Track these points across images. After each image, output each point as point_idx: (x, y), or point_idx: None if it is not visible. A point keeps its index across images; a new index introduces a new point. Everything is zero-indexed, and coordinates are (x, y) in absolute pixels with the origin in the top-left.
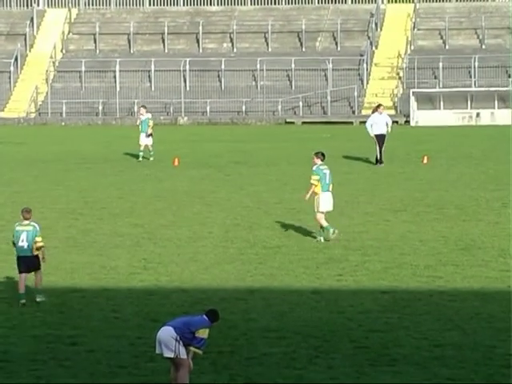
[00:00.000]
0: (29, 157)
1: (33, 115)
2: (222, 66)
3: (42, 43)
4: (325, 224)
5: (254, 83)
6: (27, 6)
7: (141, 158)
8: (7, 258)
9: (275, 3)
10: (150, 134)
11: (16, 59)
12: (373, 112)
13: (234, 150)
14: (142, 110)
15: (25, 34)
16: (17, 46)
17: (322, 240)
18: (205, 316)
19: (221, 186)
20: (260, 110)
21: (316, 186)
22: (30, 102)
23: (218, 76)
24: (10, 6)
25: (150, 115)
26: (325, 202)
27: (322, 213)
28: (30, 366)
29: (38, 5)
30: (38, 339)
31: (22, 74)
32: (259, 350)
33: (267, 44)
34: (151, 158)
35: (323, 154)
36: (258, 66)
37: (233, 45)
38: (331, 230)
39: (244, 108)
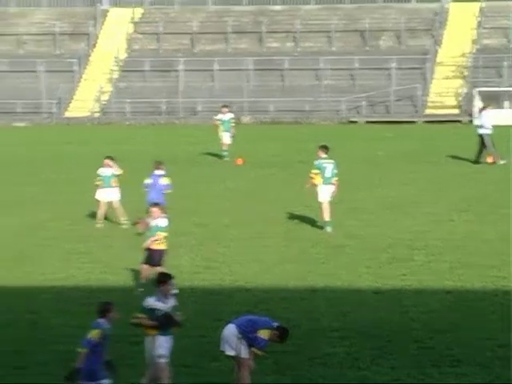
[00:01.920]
0: (93, 156)
1: (96, 115)
2: (286, 65)
3: (106, 43)
4: (322, 213)
5: (317, 82)
6: (91, 5)
7: (227, 158)
8: (69, 257)
9: (339, 2)
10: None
11: (80, 59)
12: (480, 111)
13: (298, 150)
14: (224, 110)
15: (88, 34)
16: (80, 46)
17: (328, 230)
18: (274, 323)
19: (284, 186)
20: (323, 110)
21: (314, 178)
22: (94, 102)
23: (282, 75)
24: (74, 5)
25: (232, 115)
26: (322, 193)
27: (322, 203)
28: None
29: (102, 4)
30: None
31: (85, 73)
32: (322, 350)
33: (331, 43)
34: (227, 158)
35: (327, 147)
36: (322, 65)
37: (296, 44)
38: (328, 228)
39: (307, 107)
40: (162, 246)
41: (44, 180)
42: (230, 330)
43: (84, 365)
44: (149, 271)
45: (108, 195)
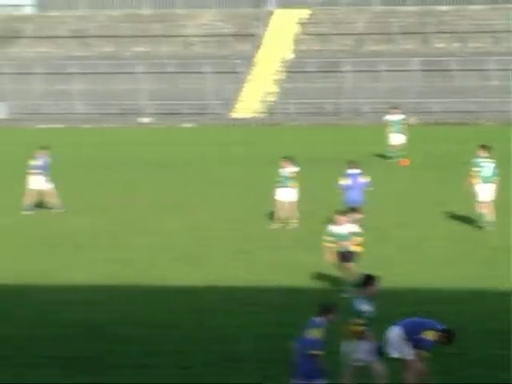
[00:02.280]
0: (259, 157)
1: (262, 115)
2: (452, 66)
3: (271, 43)
4: (482, 212)
5: (484, 83)
6: (256, 6)
7: (394, 159)
8: (234, 257)
9: (507, 2)
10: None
11: (245, 60)
12: None
13: (463, 151)
14: (393, 111)
15: (254, 35)
16: (246, 47)
17: (489, 228)
18: (439, 325)
19: (448, 187)
20: (490, 111)
21: (473, 176)
22: (259, 103)
23: (448, 76)
24: (240, 6)
25: (403, 116)
26: (480, 192)
27: (479, 202)
28: (257, 365)
29: (267, 5)
30: (263, 338)
31: (250, 74)
32: (488, 351)
33: (498, 43)
34: (393, 159)
35: (487, 147)
36: (489, 66)
37: (463, 44)
38: (486, 219)
39: (473, 108)
40: (357, 248)
41: (211, 180)
42: (395, 332)
43: (302, 365)
44: (347, 268)
45: (286, 195)
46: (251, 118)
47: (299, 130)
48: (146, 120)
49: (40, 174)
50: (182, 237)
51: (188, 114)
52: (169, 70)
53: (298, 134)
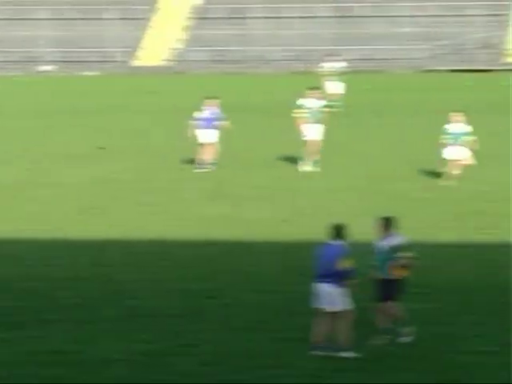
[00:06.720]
0: (165, 106)
1: (166, 63)
2: (364, 12)
3: None
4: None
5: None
6: None
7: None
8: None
9: None
10: None
11: (148, 5)
12: None
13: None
14: (331, 58)
15: None
16: None
17: None
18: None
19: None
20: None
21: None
22: (163, 50)
23: (360, 22)
24: None
25: (343, 63)
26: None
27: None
28: (168, 321)
29: None
30: (178, 294)
31: (153, 21)
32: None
33: None
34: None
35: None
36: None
37: None
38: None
39: (386, 55)
40: None
41: (115, 130)
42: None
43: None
44: None
45: (456, 153)
46: (155, 67)
47: (205, 78)
48: (46, 68)
49: None
50: (86, 188)
51: (90, 61)
52: (69, 15)
53: (205, 82)
